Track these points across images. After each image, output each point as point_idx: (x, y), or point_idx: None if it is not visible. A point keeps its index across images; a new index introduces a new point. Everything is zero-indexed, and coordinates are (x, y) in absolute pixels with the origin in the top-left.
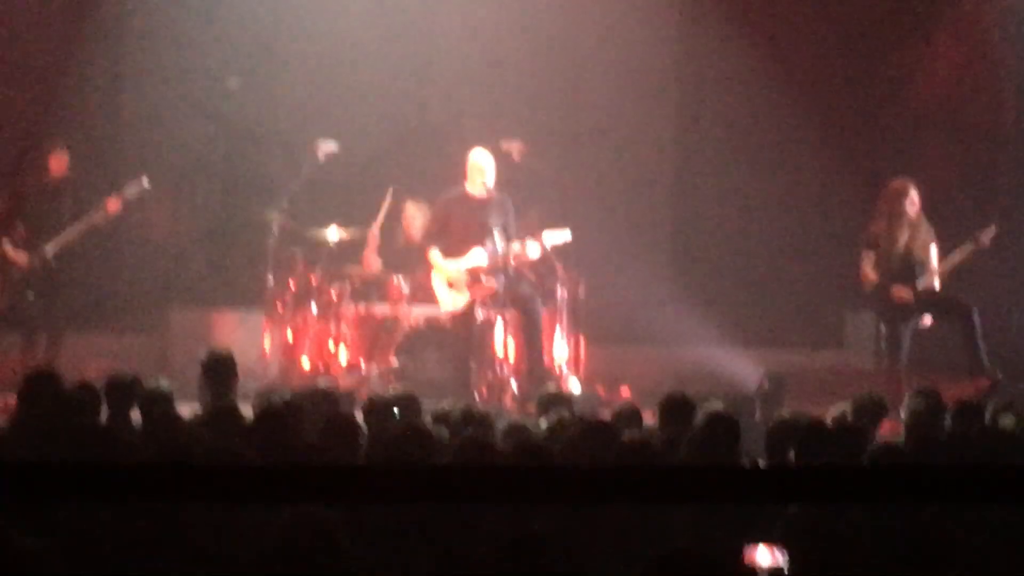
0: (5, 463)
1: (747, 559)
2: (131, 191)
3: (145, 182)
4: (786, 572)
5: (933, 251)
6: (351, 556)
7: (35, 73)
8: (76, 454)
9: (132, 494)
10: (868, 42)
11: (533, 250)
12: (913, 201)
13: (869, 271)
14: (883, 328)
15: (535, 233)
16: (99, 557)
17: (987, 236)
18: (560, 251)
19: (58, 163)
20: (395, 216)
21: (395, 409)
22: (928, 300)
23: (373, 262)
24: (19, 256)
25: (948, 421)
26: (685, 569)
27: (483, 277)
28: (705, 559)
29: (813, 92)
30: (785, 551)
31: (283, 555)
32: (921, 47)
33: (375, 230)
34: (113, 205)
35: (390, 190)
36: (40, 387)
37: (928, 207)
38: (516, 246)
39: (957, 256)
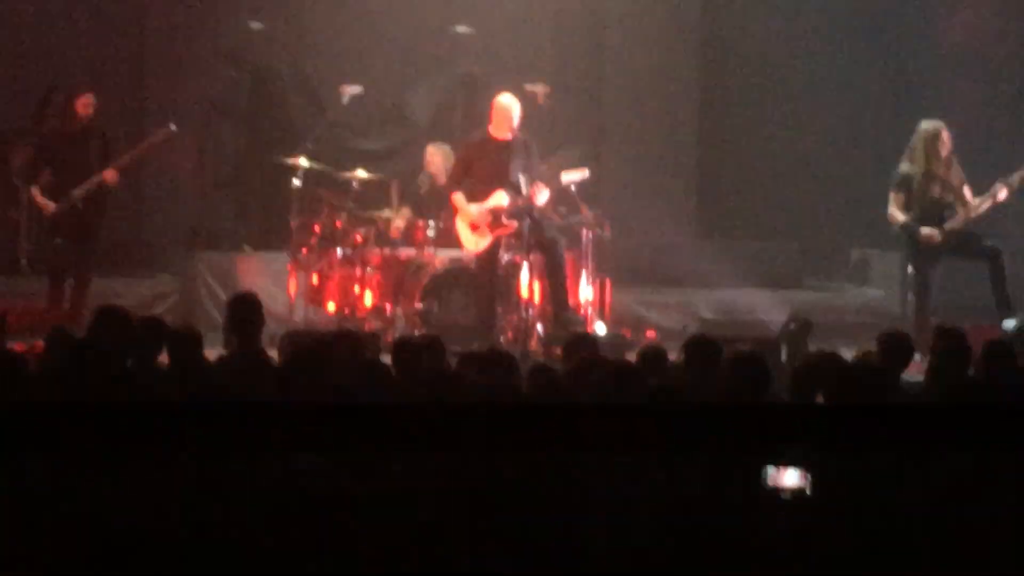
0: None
1: (770, 480)
2: (157, 139)
3: (172, 127)
4: (808, 493)
5: (964, 193)
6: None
7: (59, 18)
8: (109, 397)
9: (159, 437)
10: None
11: (542, 196)
12: (945, 143)
13: (897, 212)
14: (910, 269)
15: (555, 174)
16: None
17: (1002, 193)
18: (584, 193)
19: (85, 107)
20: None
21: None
22: (956, 242)
23: (401, 214)
24: (47, 202)
25: (977, 362)
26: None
27: (505, 218)
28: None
29: (840, 31)
30: (807, 472)
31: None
32: None
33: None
34: (111, 176)
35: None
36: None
37: (957, 148)
38: (524, 188)
39: (974, 208)
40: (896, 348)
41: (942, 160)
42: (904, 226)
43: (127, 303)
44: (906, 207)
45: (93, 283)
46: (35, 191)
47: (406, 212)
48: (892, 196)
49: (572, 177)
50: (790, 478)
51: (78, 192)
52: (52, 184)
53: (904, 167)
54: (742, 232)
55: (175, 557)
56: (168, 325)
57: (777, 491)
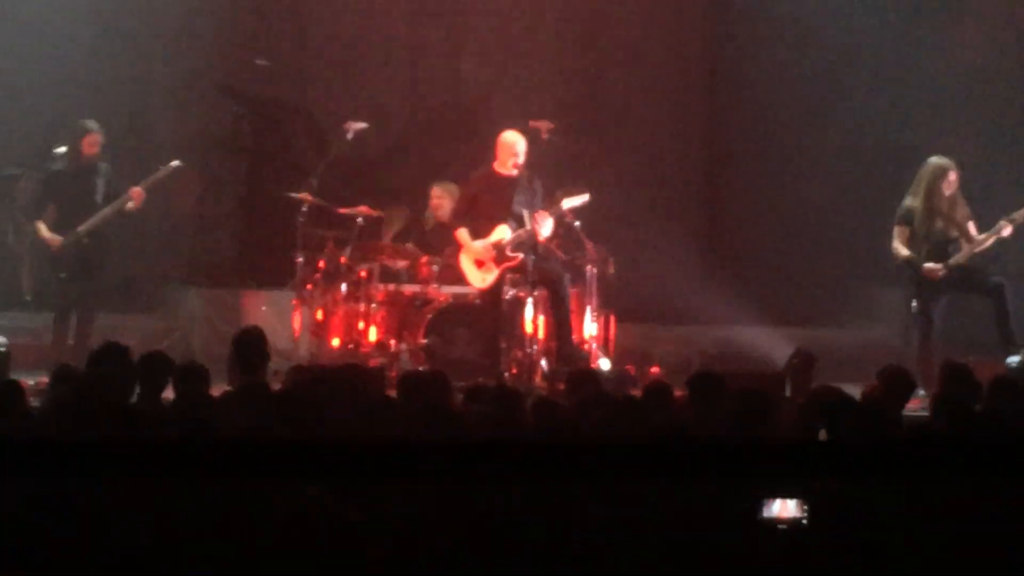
0: (42, 442)
1: (767, 511)
2: (163, 174)
3: (176, 163)
4: (804, 523)
5: (969, 229)
6: (365, 537)
7: (65, 54)
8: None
9: (163, 471)
10: (899, 13)
11: (546, 226)
12: (950, 180)
13: (900, 247)
14: (914, 304)
15: (556, 200)
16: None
17: (1007, 230)
18: (588, 228)
19: (91, 145)
20: (423, 198)
21: None
22: (959, 277)
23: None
24: (52, 237)
25: (984, 396)
26: None
27: (509, 251)
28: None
29: (846, 63)
30: (804, 504)
31: (294, 536)
32: (953, 19)
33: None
34: (137, 195)
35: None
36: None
37: (961, 184)
38: (528, 223)
39: (978, 244)
40: (897, 383)
41: (946, 196)
42: (907, 261)
43: (130, 339)
44: (910, 242)
45: (97, 319)
46: (41, 226)
47: (409, 248)
48: (896, 230)
49: (573, 203)
50: (788, 509)
51: (83, 228)
52: (57, 220)
53: (908, 201)
54: (746, 268)
55: None
56: (174, 361)
57: (775, 522)
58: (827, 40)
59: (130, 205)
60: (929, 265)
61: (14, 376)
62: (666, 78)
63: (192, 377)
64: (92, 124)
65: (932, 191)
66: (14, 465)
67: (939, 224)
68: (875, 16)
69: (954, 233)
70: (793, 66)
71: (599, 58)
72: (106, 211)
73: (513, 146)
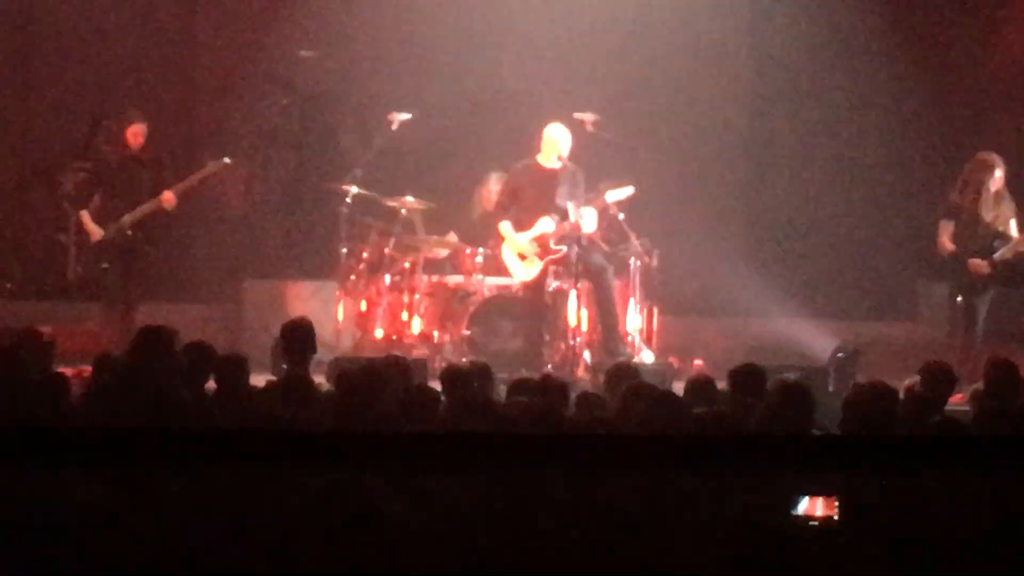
0: (84, 429)
1: (799, 509)
2: (210, 171)
3: (227, 159)
4: (836, 519)
5: (1013, 225)
6: (402, 528)
7: (110, 45)
8: (154, 421)
9: (205, 461)
10: (944, 11)
11: (590, 220)
12: (999, 175)
13: (947, 241)
14: (959, 300)
15: (600, 193)
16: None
17: None
18: (632, 221)
19: (135, 136)
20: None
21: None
22: (1005, 273)
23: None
24: (95, 228)
25: None
26: None
27: (551, 244)
28: None
29: (888, 61)
30: (836, 501)
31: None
32: (996, 16)
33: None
34: (168, 200)
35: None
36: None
37: (1008, 180)
38: (572, 216)
39: (1022, 241)
40: (940, 378)
41: (992, 192)
42: (953, 256)
43: (178, 328)
44: (955, 237)
45: (142, 309)
46: (85, 216)
47: (452, 239)
48: (942, 225)
49: (617, 195)
50: (822, 506)
51: (127, 219)
52: (102, 210)
53: (954, 196)
54: (790, 262)
55: None
56: (214, 350)
57: (808, 519)
58: (870, 35)
59: (164, 207)
60: (975, 261)
61: (58, 365)
62: (710, 71)
63: (231, 367)
64: (135, 114)
65: (979, 184)
66: (60, 456)
67: (985, 220)
68: (916, 13)
69: (1000, 228)
70: (841, 62)
71: (644, 50)
72: (146, 207)
73: (557, 139)
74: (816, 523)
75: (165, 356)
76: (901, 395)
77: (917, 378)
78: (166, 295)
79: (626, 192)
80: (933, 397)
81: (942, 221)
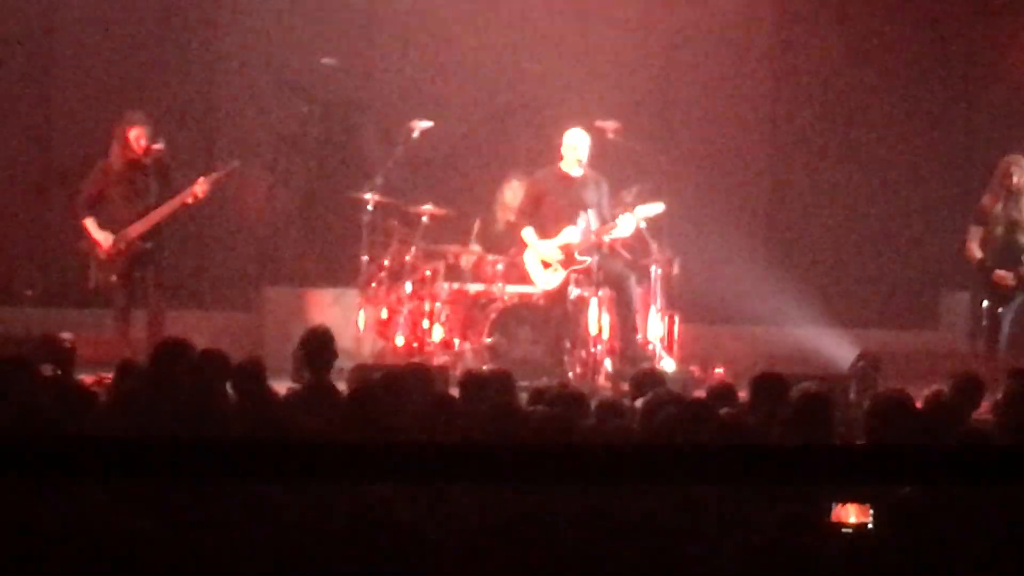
0: (103, 439)
1: (833, 515)
2: (223, 171)
3: (236, 162)
4: (870, 527)
5: None
6: (421, 540)
7: (132, 52)
8: (175, 429)
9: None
10: (970, 15)
11: (626, 226)
12: (1017, 178)
13: (975, 247)
14: (984, 306)
15: (621, 202)
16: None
17: None
18: (654, 230)
19: (137, 139)
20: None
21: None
22: None
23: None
24: (102, 236)
25: None
26: None
27: (576, 254)
28: None
29: (910, 68)
30: (870, 508)
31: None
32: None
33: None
34: (202, 188)
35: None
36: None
37: None
38: (594, 223)
39: None
40: (969, 388)
41: (1014, 195)
42: (979, 264)
43: (197, 336)
44: (983, 243)
45: (169, 314)
46: (91, 224)
47: (475, 248)
48: (971, 231)
49: (647, 211)
50: (854, 513)
51: (134, 230)
52: (107, 217)
53: (984, 200)
54: (812, 270)
55: None
56: (231, 358)
57: (841, 525)
58: (895, 42)
59: (190, 200)
60: (1000, 272)
61: (79, 372)
62: (732, 79)
63: (248, 375)
64: (137, 116)
65: (1005, 188)
66: (81, 464)
67: (1011, 223)
68: (941, 19)
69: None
70: (860, 65)
71: (666, 58)
72: (163, 209)
73: (576, 146)
74: (850, 530)
75: (185, 367)
76: (921, 404)
77: (938, 387)
78: (187, 302)
79: (656, 209)
80: (962, 407)
81: (971, 226)
